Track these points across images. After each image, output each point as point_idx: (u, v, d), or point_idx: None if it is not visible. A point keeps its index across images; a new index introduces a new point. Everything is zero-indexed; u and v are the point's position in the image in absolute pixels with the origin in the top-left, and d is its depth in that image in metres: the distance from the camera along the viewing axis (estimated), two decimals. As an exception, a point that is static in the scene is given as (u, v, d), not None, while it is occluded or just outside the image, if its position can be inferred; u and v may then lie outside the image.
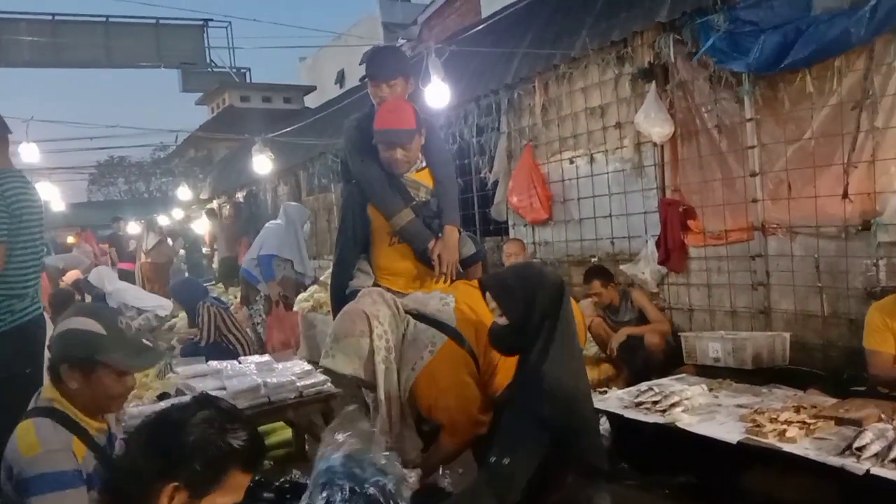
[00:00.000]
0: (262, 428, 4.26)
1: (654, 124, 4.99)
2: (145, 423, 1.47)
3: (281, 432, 4.39)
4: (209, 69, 17.91)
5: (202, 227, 16.53)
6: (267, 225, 7.46)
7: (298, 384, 3.89)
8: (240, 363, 4.48)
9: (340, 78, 21.03)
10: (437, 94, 5.36)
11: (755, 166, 4.64)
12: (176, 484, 1.38)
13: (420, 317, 2.71)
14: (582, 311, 5.47)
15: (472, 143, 7.08)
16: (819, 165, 4.23)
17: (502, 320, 2.41)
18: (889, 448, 2.62)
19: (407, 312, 2.74)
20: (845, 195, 4.03)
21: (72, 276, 9.21)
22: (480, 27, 7.10)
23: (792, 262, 4.48)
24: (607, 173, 5.79)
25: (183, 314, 6.62)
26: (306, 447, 4.33)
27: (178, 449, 1.38)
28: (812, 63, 4.06)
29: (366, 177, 3.12)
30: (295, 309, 7.27)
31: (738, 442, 2.90)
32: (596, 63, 5.70)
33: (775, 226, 4.56)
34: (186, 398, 1.46)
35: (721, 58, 4.53)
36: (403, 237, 3.13)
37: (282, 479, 3.40)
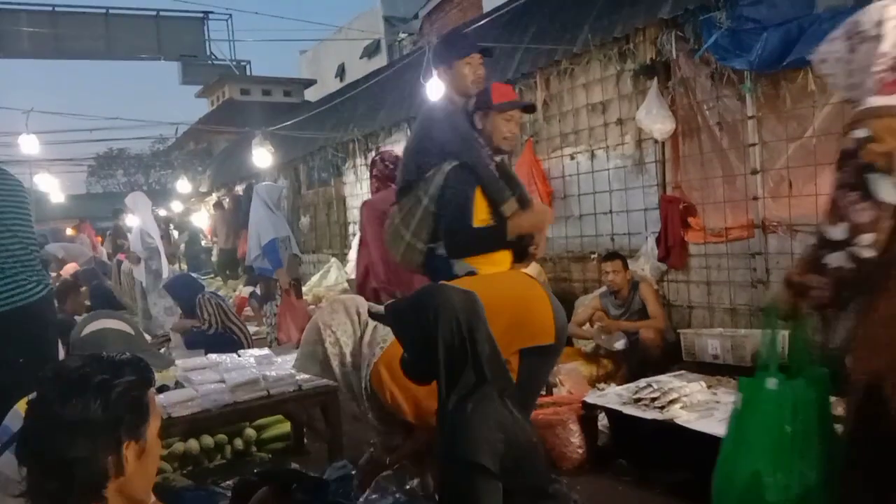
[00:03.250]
0: (260, 421, 4.28)
1: (656, 121, 4.99)
2: (56, 422, 1.37)
3: (279, 426, 4.39)
4: (209, 62, 17.91)
5: (201, 220, 16.53)
6: (251, 216, 7.39)
7: (298, 378, 3.89)
8: (239, 356, 4.48)
9: (341, 71, 21.00)
10: (439, 89, 5.34)
11: (756, 164, 4.64)
12: (126, 443, 1.40)
13: (381, 317, 2.73)
14: (582, 304, 5.53)
15: (472, 138, 7.06)
16: (820, 163, 4.23)
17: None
18: None
19: (371, 316, 2.77)
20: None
21: (70, 268, 9.19)
22: (482, 22, 7.08)
23: (792, 260, 4.48)
24: (608, 170, 5.79)
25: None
26: (305, 440, 4.34)
27: (109, 419, 1.38)
28: (814, 61, 4.05)
29: (481, 161, 3.02)
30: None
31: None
32: (598, 59, 5.69)
33: (776, 223, 4.56)
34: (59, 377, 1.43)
35: (723, 55, 4.53)
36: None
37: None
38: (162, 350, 4.94)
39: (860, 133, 1.80)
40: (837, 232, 1.79)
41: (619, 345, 4.92)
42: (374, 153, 9.39)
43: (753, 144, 4.63)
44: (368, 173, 5.21)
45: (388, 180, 4.84)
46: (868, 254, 1.75)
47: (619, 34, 5.35)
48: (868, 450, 1.82)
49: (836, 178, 1.84)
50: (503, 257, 3.03)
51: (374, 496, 2.78)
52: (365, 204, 4.62)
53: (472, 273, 2.83)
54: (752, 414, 2.11)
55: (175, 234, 12.51)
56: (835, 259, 1.79)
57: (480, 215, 2.96)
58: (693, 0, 4.71)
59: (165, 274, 7.77)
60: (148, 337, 4.84)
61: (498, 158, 3.10)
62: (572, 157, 6.12)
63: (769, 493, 1.95)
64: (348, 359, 2.72)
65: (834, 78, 2.04)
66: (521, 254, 3.07)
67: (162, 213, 15.25)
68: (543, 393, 3.98)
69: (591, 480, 3.49)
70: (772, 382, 2.08)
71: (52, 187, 14.22)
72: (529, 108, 3.30)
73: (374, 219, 4.81)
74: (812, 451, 1.95)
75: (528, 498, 2.14)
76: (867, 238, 1.74)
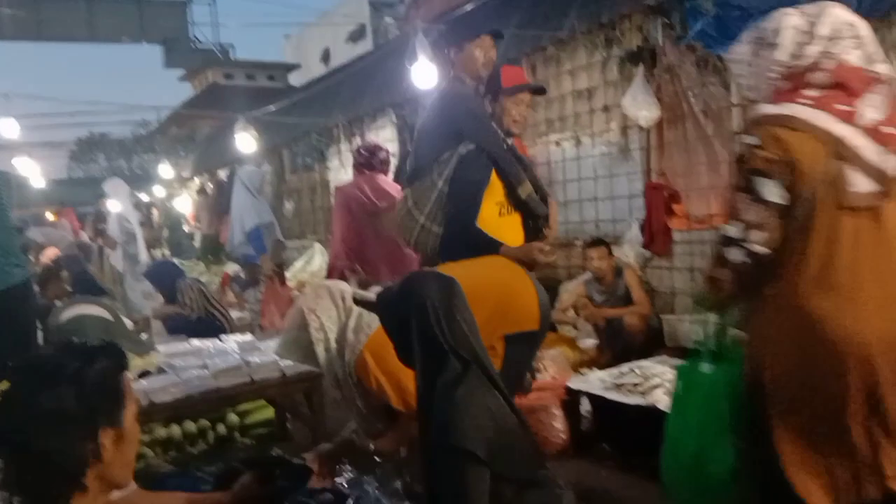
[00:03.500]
0: (243, 407, 4.26)
1: (641, 108, 4.99)
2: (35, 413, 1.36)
3: (262, 411, 4.38)
4: (192, 46, 17.74)
5: (184, 204, 16.40)
6: (233, 201, 7.34)
7: (281, 364, 3.87)
8: (221, 342, 4.46)
9: (326, 56, 20.86)
10: (424, 74, 5.32)
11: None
12: (103, 430, 1.39)
13: (367, 304, 2.72)
14: (566, 291, 5.55)
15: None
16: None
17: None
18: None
19: (356, 302, 2.75)
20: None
21: (50, 253, 9.09)
22: (469, 7, 7.04)
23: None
24: (593, 156, 5.79)
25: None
26: (288, 426, 4.33)
27: (84, 408, 1.37)
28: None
29: (498, 143, 3.02)
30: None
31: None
32: (584, 45, 5.67)
33: (759, 211, 4.59)
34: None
35: (709, 42, 4.53)
36: (527, 205, 3.04)
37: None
38: (143, 336, 4.90)
39: (749, 140, 1.93)
40: (734, 230, 1.93)
41: (588, 343, 4.95)
42: (358, 138, 9.36)
43: (738, 132, 4.65)
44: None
45: (364, 167, 4.96)
46: (760, 250, 1.89)
47: (605, 20, 5.34)
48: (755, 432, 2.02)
49: (733, 180, 1.99)
50: (516, 237, 3.03)
51: (359, 501, 2.79)
52: (336, 189, 4.76)
53: (493, 243, 2.83)
54: (690, 396, 2.26)
55: (158, 218, 12.38)
56: (734, 254, 1.93)
57: (496, 198, 2.96)
58: (679, -13, 4.71)
59: (143, 258, 7.73)
60: (129, 323, 4.80)
61: (509, 141, 3.09)
62: (558, 144, 6.12)
63: (711, 466, 2.11)
64: (333, 345, 2.69)
65: (740, 79, 2.16)
66: (534, 234, 3.08)
67: (145, 198, 15.11)
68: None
69: (573, 465, 3.51)
70: (706, 367, 2.22)
71: (32, 172, 14.01)
72: (539, 91, 3.25)
73: (340, 203, 4.94)
74: (742, 427, 2.08)
75: (516, 485, 2.15)
76: (758, 235, 1.88)
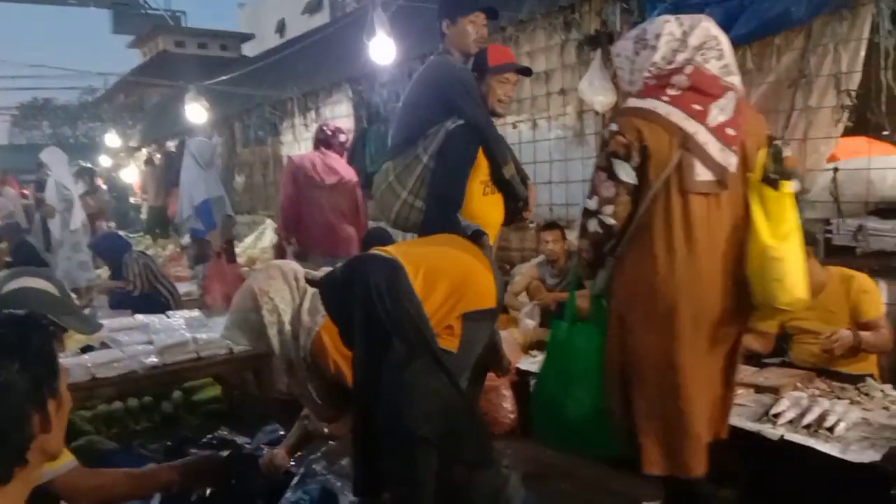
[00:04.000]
0: (188, 384, 4.19)
1: (598, 93, 5.01)
2: None
3: (210, 389, 4.31)
4: (142, 11, 17.20)
5: (131, 175, 15.96)
6: (183, 173, 7.16)
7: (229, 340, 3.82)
8: (168, 317, 4.37)
9: (281, 27, 20.46)
10: (382, 49, 5.26)
11: (692, 139, 4.72)
12: (49, 400, 1.36)
13: (317, 284, 2.68)
14: (519, 273, 5.58)
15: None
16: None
17: None
18: (802, 415, 2.76)
19: (308, 283, 2.70)
20: (776, 171, 4.15)
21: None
22: (428, -17, 6.96)
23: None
24: (549, 140, 5.81)
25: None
26: (235, 404, 4.28)
27: (30, 379, 1.34)
28: (753, 40, 4.12)
29: (487, 121, 2.98)
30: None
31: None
32: (543, 28, 5.66)
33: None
34: None
35: (666, 29, 4.57)
36: (510, 185, 3.02)
37: (209, 436, 3.37)
38: (86, 311, 4.77)
39: (612, 127, 2.25)
40: (592, 203, 2.28)
41: (528, 323, 4.98)
42: (313, 112, 9.22)
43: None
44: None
45: (322, 144, 5.14)
46: (610, 221, 2.24)
47: (564, 3, 5.33)
48: (621, 366, 2.36)
49: (596, 161, 2.33)
50: (498, 217, 3.05)
51: (305, 479, 2.78)
52: (289, 158, 4.93)
53: (479, 231, 2.79)
54: (553, 350, 2.72)
55: (104, 188, 11.99)
56: (591, 225, 2.28)
57: (481, 176, 2.95)
58: (638, -28, 4.73)
59: (76, 226, 7.51)
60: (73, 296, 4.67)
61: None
62: (514, 126, 6.11)
63: (565, 411, 2.53)
64: (287, 327, 2.58)
65: (621, 72, 2.42)
66: (514, 216, 3.12)
67: (96, 167, 14.61)
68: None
69: (521, 445, 3.55)
70: (564, 325, 2.68)
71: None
72: (526, 72, 3.21)
73: (289, 171, 5.05)
74: (591, 382, 2.45)
75: (465, 466, 2.16)
76: (609, 208, 2.23)
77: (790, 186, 2.21)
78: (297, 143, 9.89)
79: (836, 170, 3.90)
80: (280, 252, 5.10)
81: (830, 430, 2.65)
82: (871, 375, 3.27)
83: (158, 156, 13.53)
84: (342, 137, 5.23)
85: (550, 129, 5.79)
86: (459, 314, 2.44)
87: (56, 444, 1.42)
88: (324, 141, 5.12)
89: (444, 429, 2.09)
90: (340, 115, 8.77)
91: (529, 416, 3.77)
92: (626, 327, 2.31)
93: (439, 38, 3.18)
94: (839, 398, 2.96)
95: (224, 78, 10.11)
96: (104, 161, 16.63)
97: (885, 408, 2.89)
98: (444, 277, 2.39)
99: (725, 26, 4.08)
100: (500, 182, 2.99)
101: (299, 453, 2.93)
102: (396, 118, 3.20)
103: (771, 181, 2.22)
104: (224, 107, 11.34)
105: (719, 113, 2.21)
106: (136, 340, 3.83)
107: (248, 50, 17.93)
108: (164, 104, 16.29)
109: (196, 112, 9.61)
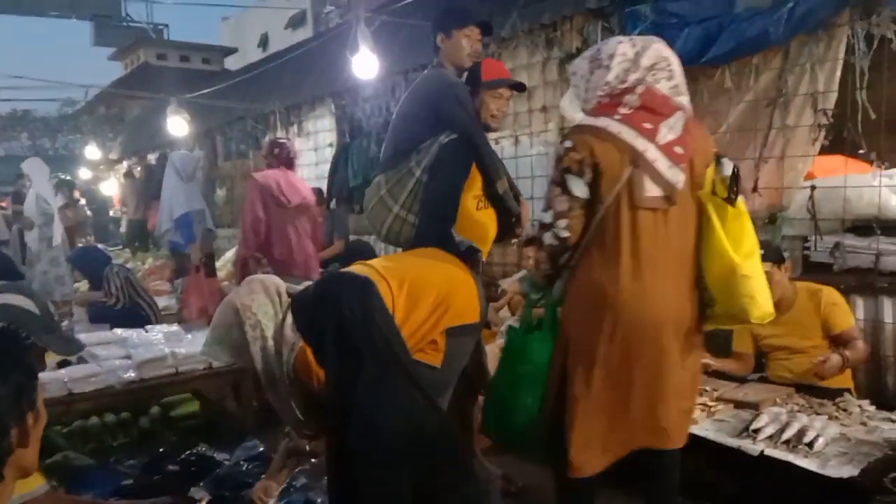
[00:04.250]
0: (166, 399, 4.13)
1: (578, 110, 5.03)
2: None
3: (188, 404, 4.26)
4: (124, 23, 17.13)
5: (111, 188, 15.83)
6: (164, 186, 7.10)
7: (209, 355, 3.78)
8: (147, 332, 4.33)
9: (264, 41, 20.47)
10: (366, 64, 5.28)
11: (673, 156, 4.77)
12: (28, 413, 1.34)
13: None
14: (505, 287, 5.58)
15: (398, 117, 7.00)
16: (732, 159, 4.35)
17: None
18: (782, 430, 2.78)
19: (290, 297, 2.66)
20: (755, 189, 4.20)
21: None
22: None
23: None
24: (531, 156, 5.84)
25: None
26: (214, 420, 4.23)
27: (11, 391, 1.31)
28: (731, 59, 4.18)
29: (482, 137, 2.96)
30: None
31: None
32: (525, 45, 5.71)
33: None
34: None
35: (646, 48, 4.63)
36: (503, 201, 2.99)
37: (187, 452, 3.33)
38: (64, 324, 4.70)
39: (567, 143, 2.31)
40: (547, 217, 2.34)
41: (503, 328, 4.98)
42: (296, 126, 9.21)
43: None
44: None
45: (278, 161, 5.14)
46: (564, 234, 2.30)
47: (546, 21, 5.38)
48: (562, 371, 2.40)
49: (550, 176, 2.38)
50: (491, 233, 3.04)
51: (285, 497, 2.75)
52: (251, 177, 5.00)
53: (472, 248, 2.78)
54: (505, 356, 2.77)
55: (82, 201, 11.87)
56: (547, 237, 2.34)
57: (474, 191, 2.93)
58: (620, -9, 4.79)
59: (57, 241, 7.44)
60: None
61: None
62: (497, 142, 6.12)
63: (512, 415, 2.62)
64: (270, 343, 2.49)
65: (576, 90, 2.48)
66: (506, 231, 3.11)
67: (76, 180, 14.49)
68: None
69: (502, 459, 3.51)
70: (518, 334, 2.74)
71: (-54, 147, 13.30)
72: (519, 87, 3.19)
73: (254, 191, 5.00)
74: (538, 389, 2.52)
75: (440, 483, 2.14)
76: (563, 222, 2.29)
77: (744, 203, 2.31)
78: (280, 157, 9.86)
79: (813, 187, 3.94)
80: (244, 271, 4.95)
81: (810, 445, 2.67)
82: (849, 390, 3.31)
83: (139, 168, 13.44)
84: (292, 152, 5.26)
85: (532, 146, 5.82)
86: (443, 329, 2.43)
87: (32, 459, 1.40)
88: (284, 159, 5.11)
89: (417, 446, 2.07)
90: (323, 129, 8.77)
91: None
92: (571, 333, 2.38)
93: (433, 52, 3.18)
94: (818, 414, 2.99)
95: (206, 91, 10.09)
96: (84, 174, 16.50)
97: (863, 423, 2.93)
98: (429, 291, 2.38)
99: (705, 46, 4.19)
100: (493, 197, 2.98)
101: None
102: (389, 131, 3.17)
103: (729, 199, 2.30)
104: (206, 120, 11.30)
105: (668, 131, 2.26)
106: (113, 355, 3.78)
107: (231, 64, 17.90)
108: (144, 117, 16.19)
109: (177, 125, 9.56)
